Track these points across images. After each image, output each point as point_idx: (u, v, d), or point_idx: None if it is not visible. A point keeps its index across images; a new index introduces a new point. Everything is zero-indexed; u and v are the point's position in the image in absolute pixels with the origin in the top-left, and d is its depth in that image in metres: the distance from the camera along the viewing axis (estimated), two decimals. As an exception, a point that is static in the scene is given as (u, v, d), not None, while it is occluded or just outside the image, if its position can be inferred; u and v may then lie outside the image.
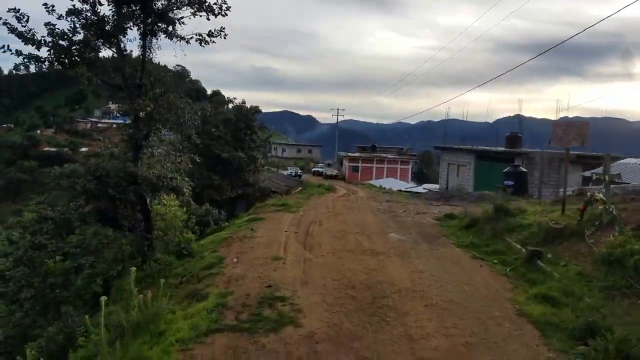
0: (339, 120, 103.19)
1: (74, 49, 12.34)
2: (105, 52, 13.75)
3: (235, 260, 13.26)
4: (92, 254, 13.83)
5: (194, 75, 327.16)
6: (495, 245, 15.17)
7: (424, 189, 49.57)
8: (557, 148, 39.65)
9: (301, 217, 21.17)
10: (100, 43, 13.07)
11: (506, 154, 37.16)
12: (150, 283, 12.89)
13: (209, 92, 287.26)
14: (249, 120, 29.92)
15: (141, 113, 13.31)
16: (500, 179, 37.58)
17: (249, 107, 31.35)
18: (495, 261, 13.57)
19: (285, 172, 77.79)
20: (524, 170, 31.46)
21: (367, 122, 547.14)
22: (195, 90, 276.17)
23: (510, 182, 30.22)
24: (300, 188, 56.14)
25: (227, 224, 21.61)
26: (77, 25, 12.85)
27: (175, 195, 16.93)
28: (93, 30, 12.63)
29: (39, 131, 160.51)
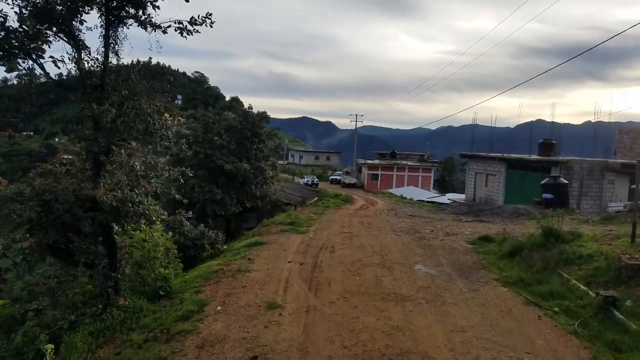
0: (358, 126, 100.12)
1: (12, 38, 9.59)
2: (59, 44, 10.91)
3: (219, 308, 10.33)
4: (40, 298, 11.07)
5: (212, 82, 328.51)
6: (550, 283, 12.00)
7: (448, 199, 46.22)
8: (595, 156, 36.31)
9: (310, 240, 18.17)
10: (49, 32, 10.30)
11: (541, 162, 33.79)
12: (110, 338, 10.02)
13: (227, 98, 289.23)
14: (255, 128, 26.93)
15: (104, 121, 10.48)
16: (535, 190, 34.27)
17: (255, 112, 28.34)
18: (556, 309, 10.43)
19: (301, 181, 74.93)
20: (565, 182, 28.10)
21: (386, 127, 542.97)
22: (213, 97, 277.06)
23: (549, 195, 26.91)
24: (315, 198, 53.15)
25: (225, 247, 18.69)
26: (24, 11, 10.12)
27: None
28: (37, 16, 9.84)
29: (57, 139, 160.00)
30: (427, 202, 52.39)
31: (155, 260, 12.83)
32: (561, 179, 28.27)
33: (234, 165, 25.01)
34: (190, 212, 32.96)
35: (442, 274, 13.04)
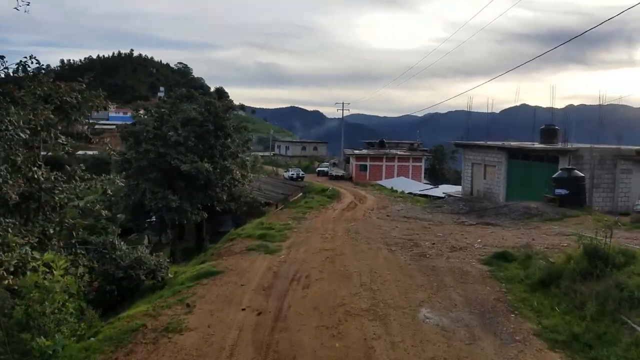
0: (345, 114, 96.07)
1: None
2: None
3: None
4: None
5: (196, 73, 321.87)
6: (619, 344, 8.14)
7: (443, 193, 42.46)
8: (608, 142, 32.62)
9: (280, 264, 14.20)
10: None
11: (547, 152, 30.02)
12: None
13: (212, 89, 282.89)
14: (220, 120, 22.65)
15: None
16: (540, 183, 30.54)
17: (219, 102, 23.82)
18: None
19: (286, 174, 70.95)
20: (580, 175, 24.33)
21: (374, 115, 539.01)
22: (198, 88, 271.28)
23: (564, 191, 23.13)
24: (300, 194, 49.21)
25: (171, 276, 14.64)
26: None
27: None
28: None
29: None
30: (420, 195, 48.66)
31: (43, 319, 8.83)
32: (576, 171, 24.50)
33: (192, 165, 20.79)
34: (154, 218, 28.97)
35: (459, 326, 9.13)
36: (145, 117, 23.13)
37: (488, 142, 36.33)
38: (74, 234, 11.77)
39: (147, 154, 21.08)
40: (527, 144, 34.80)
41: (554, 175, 24.95)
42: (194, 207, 22.78)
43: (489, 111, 37.74)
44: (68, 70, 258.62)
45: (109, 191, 11.98)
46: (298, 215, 27.08)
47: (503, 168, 33.64)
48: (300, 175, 69.17)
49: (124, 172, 21.90)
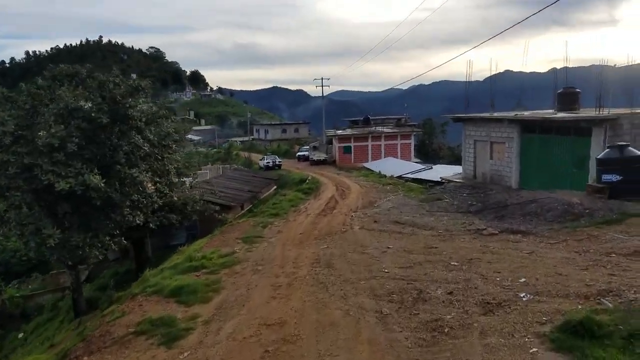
0: (329, 91, 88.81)
1: None
2: None
3: None
4: None
5: (170, 57, 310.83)
6: None
7: (440, 178, 35.81)
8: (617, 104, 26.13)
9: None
10: None
11: (575, 123, 23.37)
12: None
13: (188, 73, 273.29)
14: (121, 109, 15.25)
15: None
16: (565, 163, 24.00)
17: (122, 84, 16.57)
18: None
19: (261, 163, 64.12)
20: (638, 152, 17.76)
21: (358, 91, 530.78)
22: (171, 72, 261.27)
23: (614, 177, 16.55)
24: (272, 189, 42.44)
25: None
26: None
27: None
28: None
29: None
30: (412, 179, 42.09)
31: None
32: (631, 149, 17.90)
33: (76, 180, 13.66)
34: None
35: None
36: (8, 110, 15.66)
37: (495, 114, 29.60)
38: None
39: (4, 168, 14.10)
40: (543, 113, 28.15)
41: (599, 156, 18.42)
42: (94, 238, 15.81)
43: (472, 80, 31.06)
44: (34, 62, 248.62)
45: None
46: (256, 230, 20.36)
47: (515, 145, 27.03)
48: (277, 162, 62.34)
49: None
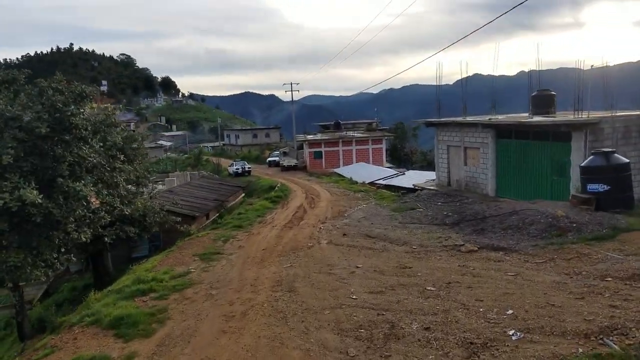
0: (300, 96, 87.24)
1: None
2: None
3: None
4: None
5: (141, 64, 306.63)
6: None
7: (413, 185, 34.60)
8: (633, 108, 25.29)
9: None
10: None
11: (553, 127, 22.28)
12: None
13: (159, 79, 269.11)
14: (64, 118, 13.36)
15: None
16: (544, 169, 22.94)
17: (65, 89, 14.86)
18: None
19: (230, 169, 62.30)
20: (624, 160, 16.69)
21: (329, 95, 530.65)
22: (142, 79, 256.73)
23: (603, 187, 15.44)
24: (240, 197, 40.74)
25: None
26: None
27: None
28: None
29: None
30: (384, 185, 40.88)
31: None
32: (617, 155, 16.78)
33: (11, 196, 11.89)
34: None
35: None
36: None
37: (468, 118, 28.47)
38: None
39: None
40: (518, 117, 27.09)
41: (583, 163, 17.27)
42: (36, 257, 14.12)
43: (442, 83, 29.91)
44: (5, 69, 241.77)
45: None
46: (215, 245, 18.71)
47: (490, 151, 25.89)
48: (247, 169, 60.58)
49: None
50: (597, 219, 14.91)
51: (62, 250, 14.58)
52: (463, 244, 15.05)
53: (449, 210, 21.04)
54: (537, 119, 24.17)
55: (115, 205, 17.07)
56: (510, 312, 9.14)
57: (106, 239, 20.52)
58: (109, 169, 16.39)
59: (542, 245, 13.96)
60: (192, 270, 14.92)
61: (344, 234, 18.82)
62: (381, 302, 10.45)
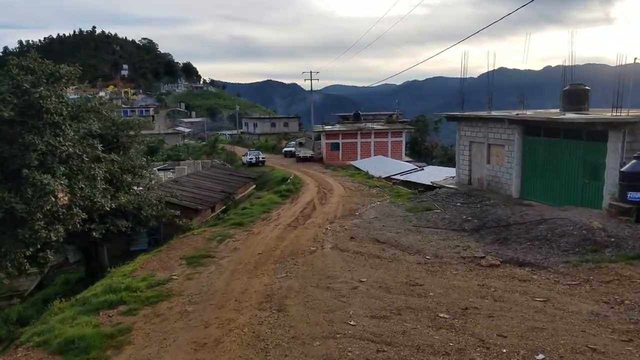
0: (324, 86, 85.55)
1: None
2: None
3: None
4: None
5: (163, 49, 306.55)
6: None
7: (432, 182, 32.62)
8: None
9: None
10: None
11: (588, 125, 20.12)
12: None
13: (180, 65, 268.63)
14: (34, 100, 11.73)
15: None
16: (576, 171, 20.83)
17: (38, 71, 13.21)
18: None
19: (244, 159, 60.78)
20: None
21: (354, 86, 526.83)
22: (164, 64, 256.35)
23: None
24: (250, 189, 39.16)
25: None
26: None
27: None
28: None
29: None
30: (401, 181, 38.96)
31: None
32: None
33: None
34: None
35: None
36: None
37: (493, 113, 26.38)
38: None
39: None
40: (549, 113, 24.94)
41: (624, 168, 15.22)
42: (2, 258, 12.61)
43: (466, 76, 27.85)
44: (27, 51, 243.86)
45: None
46: (209, 246, 17.04)
47: (516, 149, 23.83)
48: (261, 159, 59.02)
49: None
50: (638, 231, 12.91)
51: (31, 250, 13.00)
52: (484, 256, 13.18)
53: (469, 214, 19.10)
54: (569, 115, 22.00)
55: (95, 199, 15.46)
56: (540, 357, 7.30)
57: (94, 233, 19.06)
58: (87, 159, 14.74)
59: (575, 262, 12.01)
60: (175, 277, 13.28)
61: (352, 237, 17.05)
62: (384, 332, 8.68)
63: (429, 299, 10.32)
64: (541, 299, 9.85)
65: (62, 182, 12.67)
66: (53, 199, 12.33)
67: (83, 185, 14.63)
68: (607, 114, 20.14)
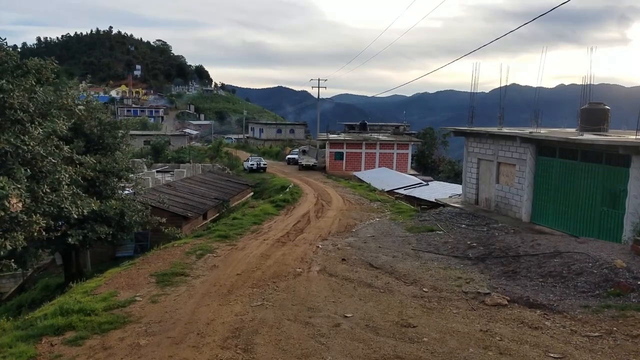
0: (334, 94, 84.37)
1: None
2: None
3: None
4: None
5: (176, 51, 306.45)
6: None
7: (435, 200, 31.00)
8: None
9: None
10: None
11: (608, 147, 18.47)
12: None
13: (192, 68, 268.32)
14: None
15: None
16: (593, 196, 19.16)
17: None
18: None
19: (245, 164, 59.38)
20: None
21: (364, 95, 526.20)
22: (176, 66, 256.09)
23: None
24: (247, 196, 37.67)
25: None
26: None
27: None
28: None
29: None
30: (404, 196, 37.36)
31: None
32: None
33: None
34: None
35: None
36: None
37: (504, 129, 24.78)
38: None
39: None
40: (565, 132, 23.33)
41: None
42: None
43: (477, 91, 26.50)
44: (44, 48, 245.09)
45: None
46: (185, 261, 15.48)
47: (528, 169, 22.23)
48: (262, 165, 57.59)
49: None
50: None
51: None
52: (489, 293, 11.57)
53: (474, 239, 17.48)
54: (588, 136, 20.37)
55: (62, 205, 13.96)
56: None
57: (70, 239, 17.59)
58: (53, 161, 13.24)
59: (596, 307, 10.38)
60: (139, 298, 11.74)
61: (343, 259, 15.49)
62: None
63: (422, 346, 8.73)
64: (556, 356, 8.24)
65: (20, 185, 11.21)
66: (7, 204, 10.85)
67: (48, 190, 13.17)
68: (630, 136, 18.53)
